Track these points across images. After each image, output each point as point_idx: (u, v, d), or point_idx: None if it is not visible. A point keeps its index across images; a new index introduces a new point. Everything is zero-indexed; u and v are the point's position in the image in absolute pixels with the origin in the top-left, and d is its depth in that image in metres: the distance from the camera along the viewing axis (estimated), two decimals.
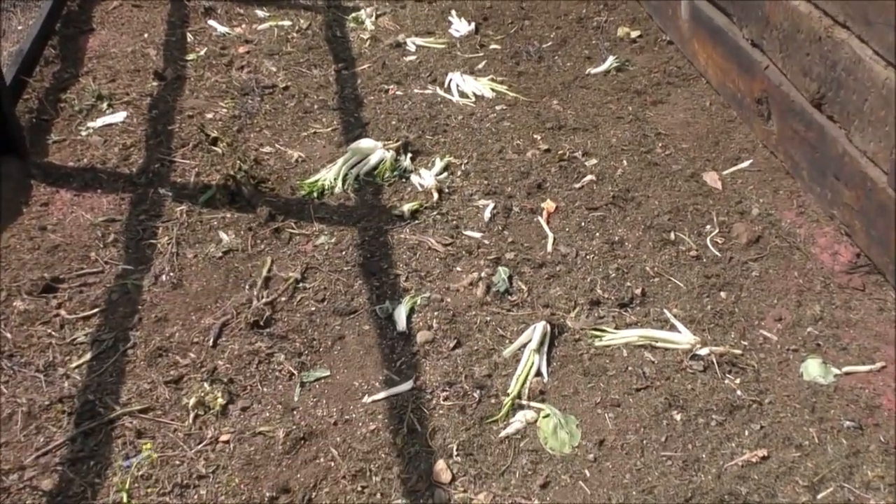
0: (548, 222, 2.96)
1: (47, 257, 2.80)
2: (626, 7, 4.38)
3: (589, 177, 3.16)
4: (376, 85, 3.85)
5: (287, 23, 4.38)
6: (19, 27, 4.11)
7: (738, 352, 2.43)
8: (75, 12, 4.34)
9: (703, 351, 2.41)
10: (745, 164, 3.19)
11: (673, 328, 2.51)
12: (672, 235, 2.87)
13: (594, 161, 3.26)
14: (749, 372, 2.38)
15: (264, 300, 2.63)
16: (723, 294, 2.64)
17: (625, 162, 3.25)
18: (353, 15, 4.45)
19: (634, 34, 4.13)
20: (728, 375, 2.37)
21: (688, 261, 2.78)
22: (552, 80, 3.84)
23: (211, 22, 4.36)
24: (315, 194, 3.13)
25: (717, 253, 2.80)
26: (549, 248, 2.84)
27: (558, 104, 3.66)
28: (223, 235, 2.92)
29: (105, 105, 3.61)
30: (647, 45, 4.04)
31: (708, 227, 2.92)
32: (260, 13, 4.49)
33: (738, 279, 2.70)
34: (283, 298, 2.66)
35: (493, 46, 4.14)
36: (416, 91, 3.79)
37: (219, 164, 3.26)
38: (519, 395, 2.31)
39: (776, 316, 2.56)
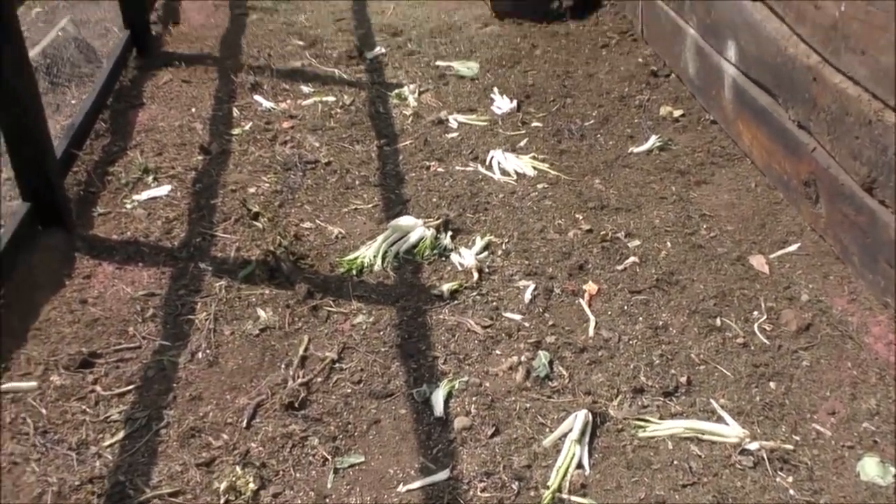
0: (590, 305, 2.90)
1: (86, 331, 2.80)
2: (668, 86, 4.37)
3: (632, 258, 3.11)
4: (418, 161, 3.87)
5: (331, 98, 4.45)
6: (72, 101, 4.22)
7: (790, 447, 2.32)
8: (127, 87, 4.46)
9: (753, 445, 2.31)
10: (793, 247, 3.12)
11: (720, 420, 2.42)
12: (718, 321, 2.79)
13: (637, 242, 3.21)
14: (802, 469, 2.26)
15: (300, 380, 2.59)
16: (772, 384, 2.55)
17: (668, 243, 3.20)
18: (397, 91, 4.50)
19: (677, 113, 4.11)
20: (779, 473, 2.26)
21: (735, 348, 2.69)
22: (594, 158, 3.83)
23: (257, 97, 4.44)
24: (354, 272, 3.11)
25: (766, 341, 2.71)
26: (591, 332, 2.78)
27: (600, 183, 3.63)
28: (261, 312, 2.90)
29: (151, 178, 3.67)
30: (691, 125, 4.02)
31: (755, 313, 2.83)
32: (305, 89, 4.56)
33: (788, 369, 2.60)
34: (319, 379, 2.62)
35: (534, 124, 4.15)
36: (457, 168, 3.79)
37: (259, 240, 3.27)
38: (559, 489, 2.22)
39: (829, 409, 2.45)
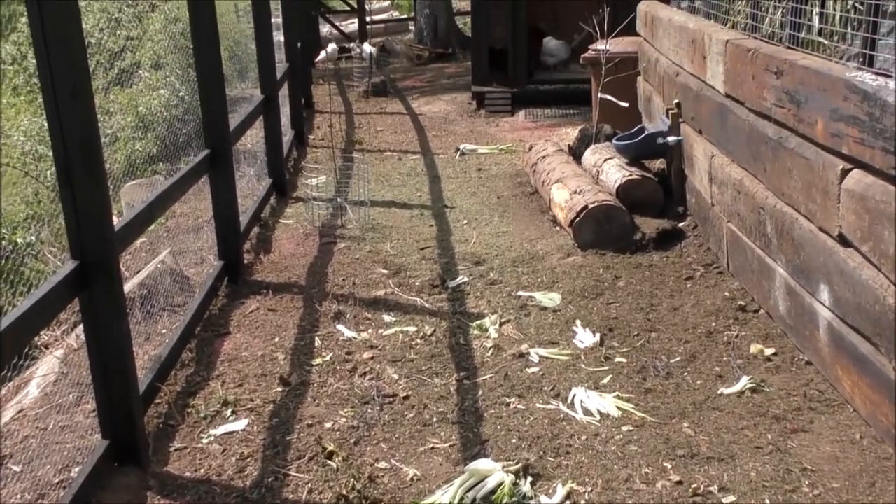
0: None
1: None
2: (757, 322, 4.24)
3: None
4: (497, 397, 3.77)
5: (412, 328, 4.46)
6: (163, 331, 4.34)
7: None
8: (215, 315, 4.59)
9: None
10: None
11: None
12: None
13: (732, 498, 2.97)
14: None
15: None
16: None
17: (767, 501, 2.94)
18: (478, 322, 4.50)
19: (769, 352, 3.95)
20: None
21: None
22: (681, 399, 3.66)
23: (339, 326, 4.49)
24: None
25: None
26: None
27: (689, 427, 3.44)
28: None
29: (229, 412, 3.66)
30: (784, 365, 3.84)
31: None
32: (387, 318, 4.61)
33: None
34: None
35: (618, 359, 4.04)
36: (538, 406, 3.67)
37: (332, 481, 3.16)
38: None
39: None
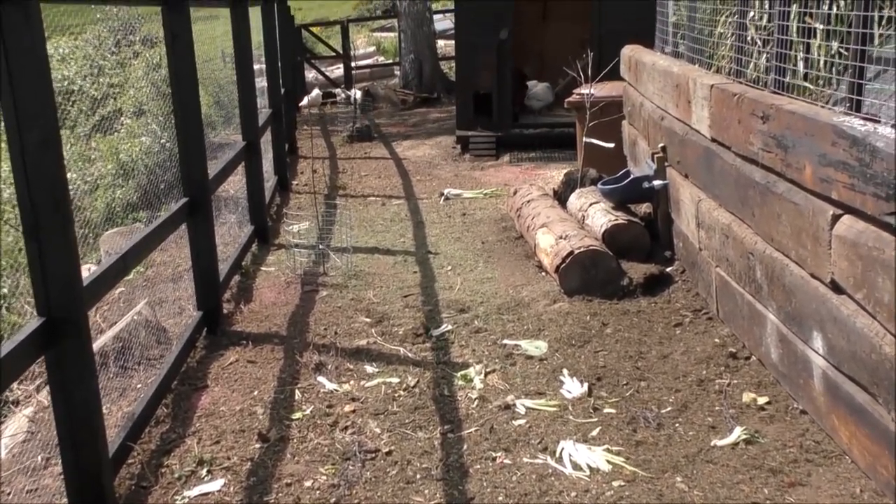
0: None
1: None
2: (749, 370, 4.15)
3: None
4: (483, 452, 3.64)
5: (395, 379, 4.34)
6: (138, 385, 4.20)
7: None
8: (193, 368, 4.45)
9: None
10: None
11: None
12: None
13: None
14: None
15: None
16: None
17: None
18: (462, 372, 4.38)
19: (762, 400, 3.85)
20: None
21: None
22: (674, 451, 3.54)
23: (320, 378, 4.36)
24: None
25: None
26: None
27: (682, 482, 3.32)
28: None
29: (205, 471, 3.51)
30: (778, 414, 3.74)
31: None
32: (369, 368, 4.48)
33: None
34: None
35: (607, 410, 3.92)
36: (525, 460, 3.54)
37: None
38: None
39: None
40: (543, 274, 5.72)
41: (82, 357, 2.86)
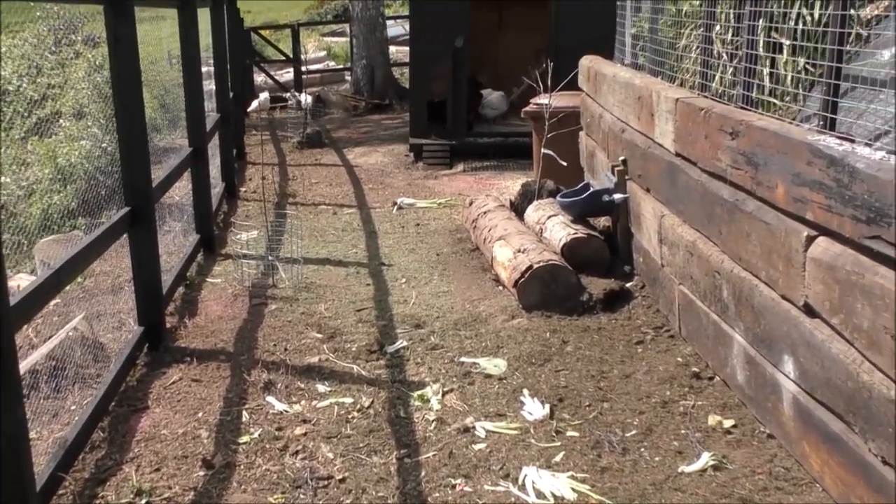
0: None
1: None
2: (713, 390, 4.05)
3: None
4: (442, 478, 3.46)
5: (348, 400, 4.14)
6: (73, 407, 3.93)
7: None
8: (133, 388, 4.19)
9: None
10: None
11: None
12: None
13: None
14: None
15: None
16: None
17: None
18: (419, 392, 4.20)
19: (728, 423, 3.74)
20: None
21: None
22: (640, 478, 3.41)
23: (269, 398, 4.14)
24: None
25: None
26: None
27: None
28: None
29: (143, 502, 3.27)
30: (745, 438, 3.63)
31: None
32: (321, 388, 4.27)
33: None
34: None
35: (570, 433, 3.78)
36: (486, 488, 3.38)
37: None
38: None
39: None
40: (501, 288, 5.57)
41: (8, 384, 2.60)
